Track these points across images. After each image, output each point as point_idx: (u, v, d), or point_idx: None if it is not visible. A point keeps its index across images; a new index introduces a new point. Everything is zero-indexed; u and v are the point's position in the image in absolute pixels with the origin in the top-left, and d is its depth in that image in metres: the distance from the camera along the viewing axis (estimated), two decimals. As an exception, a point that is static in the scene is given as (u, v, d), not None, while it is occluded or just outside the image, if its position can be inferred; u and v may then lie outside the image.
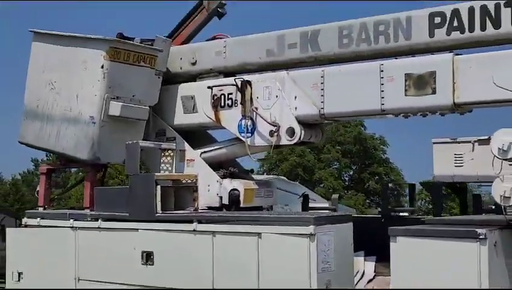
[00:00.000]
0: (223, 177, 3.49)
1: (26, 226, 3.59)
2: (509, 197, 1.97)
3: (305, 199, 4.70)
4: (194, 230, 2.71)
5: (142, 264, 2.88)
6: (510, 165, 2.02)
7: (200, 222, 2.73)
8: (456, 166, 2.89)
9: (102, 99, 3.20)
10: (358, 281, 2.67)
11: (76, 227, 3.27)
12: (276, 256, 2.38)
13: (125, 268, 3.03)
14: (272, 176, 17.82)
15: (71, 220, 3.31)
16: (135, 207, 2.96)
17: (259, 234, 2.44)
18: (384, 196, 5.71)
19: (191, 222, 2.74)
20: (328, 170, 31.68)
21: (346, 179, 34.59)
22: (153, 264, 2.85)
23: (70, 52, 3.45)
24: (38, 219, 3.55)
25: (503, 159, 1.99)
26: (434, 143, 4.24)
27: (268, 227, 2.49)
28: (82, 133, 3.29)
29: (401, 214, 4.12)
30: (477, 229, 1.93)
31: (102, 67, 3.19)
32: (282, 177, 15.79)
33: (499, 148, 1.98)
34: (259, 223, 2.57)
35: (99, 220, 3.16)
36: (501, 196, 1.99)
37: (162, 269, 2.87)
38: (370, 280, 2.79)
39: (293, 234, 2.33)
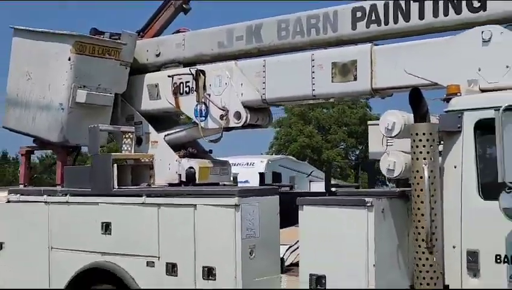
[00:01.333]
0: (182, 156, 3.88)
1: (8, 201, 4.04)
2: (393, 170, 2.25)
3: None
4: (143, 203, 3.08)
5: (102, 233, 3.28)
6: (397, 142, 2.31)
7: (148, 196, 3.11)
8: (387, 145, 3.09)
9: (69, 88, 3.60)
10: (287, 250, 2.98)
11: (48, 202, 3.69)
12: (209, 225, 2.78)
13: (89, 237, 3.41)
14: (280, 156, 18.44)
15: (45, 195, 3.72)
16: (96, 183, 3.35)
17: (195, 206, 2.82)
18: (327, 173, 6.12)
19: (140, 195, 3.13)
20: (335, 150, 32.68)
21: (353, 158, 35.17)
22: (110, 234, 3.25)
23: (45, 47, 3.85)
24: (19, 195, 3.98)
25: (389, 137, 2.27)
26: (369, 125, 4.51)
27: (202, 199, 2.87)
28: (53, 118, 3.71)
29: (346, 189, 4.42)
30: (365, 198, 2.23)
31: (69, 59, 3.58)
32: (291, 157, 16.26)
33: (385, 128, 2.26)
34: (195, 196, 2.96)
35: (68, 195, 3.54)
36: (387, 169, 2.27)
37: (118, 238, 3.26)
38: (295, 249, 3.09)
39: (222, 205, 2.70)
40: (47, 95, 3.75)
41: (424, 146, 2.08)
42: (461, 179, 2.14)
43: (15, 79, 4.07)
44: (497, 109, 1.67)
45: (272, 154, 25.89)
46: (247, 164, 7.44)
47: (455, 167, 2.18)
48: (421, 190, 2.04)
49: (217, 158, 4.35)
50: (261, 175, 5.06)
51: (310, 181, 8.02)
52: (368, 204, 2.16)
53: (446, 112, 2.24)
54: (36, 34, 3.93)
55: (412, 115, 2.24)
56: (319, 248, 2.38)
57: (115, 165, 3.25)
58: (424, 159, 2.06)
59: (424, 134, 2.07)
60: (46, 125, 3.76)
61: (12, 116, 4.09)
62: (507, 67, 2.22)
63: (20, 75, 4.00)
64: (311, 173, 7.63)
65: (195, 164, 3.80)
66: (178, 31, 4.29)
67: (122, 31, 4.02)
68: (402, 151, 2.33)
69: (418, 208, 2.08)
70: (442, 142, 2.28)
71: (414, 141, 2.10)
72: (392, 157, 2.24)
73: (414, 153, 2.10)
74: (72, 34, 3.65)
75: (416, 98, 2.23)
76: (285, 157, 12.47)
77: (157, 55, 4.15)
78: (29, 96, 3.89)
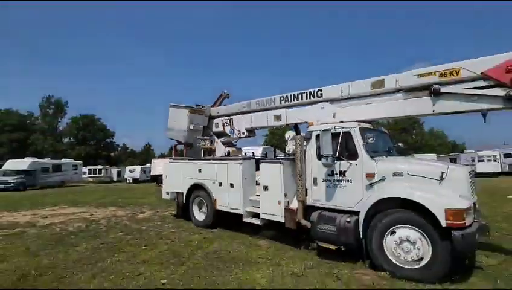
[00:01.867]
0: (226, 147, 9.28)
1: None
2: (289, 151, 6.48)
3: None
4: (211, 162, 8.12)
5: (198, 172, 8.36)
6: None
7: (213, 160, 8.50)
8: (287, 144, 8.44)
9: (188, 126, 10.02)
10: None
11: (182, 162, 10.25)
12: (232, 170, 6.67)
13: (201, 175, 8.78)
14: (268, 146, 25.16)
15: (180, 161, 10.33)
16: (196, 156, 9.96)
17: (228, 163, 6.90)
18: (275, 151, 12.56)
19: (210, 160, 8.77)
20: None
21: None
22: (201, 172, 7.70)
23: (180, 111, 9.79)
24: (173, 160, 9.78)
25: (289, 140, 8.49)
26: (170, 106, 8.93)
27: (230, 161, 6.89)
28: (182, 135, 10.25)
29: (278, 157, 10.66)
30: (280, 160, 6.10)
31: (187, 115, 9.92)
32: (271, 147, 23.13)
33: (287, 137, 6.48)
34: (228, 160, 7.10)
35: (187, 160, 10.18)
36: (288, 150, 6.75)
37: (203, 174, 7.79)
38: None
39: (237, 163, 6.65)
40: (183, 128, 9.94)
41: (298, 143, 5.16)
42: (311, 154, 5.29)
43: (174, 122, 9.74)
44: (320, 130, 5.05)
45: (264, 145, 34.42)
46: (252, 150, 13.91)
47: (310, 151, 5.33)
48: (298, 158, 5.18)
49: (237, 147, 9.01)
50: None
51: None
52: (281, 162, 5.68)
53: (308, 131, 5.60)
54: (175, 106, 10.37)
55: (295, 132, 6.15)
56: (265, 181, 5.96)
57: (202, 150, 9.79)
58: (298, 147, 5.17)
59: (298, 139, 5.26)
60: (182, 136, 9.56)
61: (170, 133, 9.83)
62: (333, 116, 5.61)
63: (173, 121, 9.76)
64: (275, 151, 14.68)
65: (230, 149, 8.25)
66: (221, 95, 10.10)
67: (205, 105, 10.31)
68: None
69: (298, 166, 5.26)
70: (305, 142, 5.39)
71: (295, 141, 5.32)
72: (290, 146, 5.78)
73: (295, 145, 5.29)
74: (188, 106, 10.12)
75: (296, 127, 6.40)
76: (269, 147, 19.75)
77: (218, 113, 9.02)
78: (176, 127, 10.11)
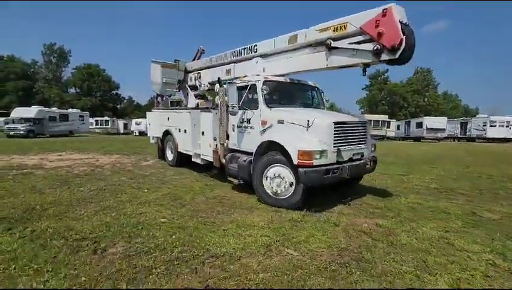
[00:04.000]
0: (198, 99, 9.71)
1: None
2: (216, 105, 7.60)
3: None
4: (184, 112, 8.94)
5: (167, 121, 9.41)
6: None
7: (185, 110, 9.19)
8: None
9: (162, 79, 9.66)
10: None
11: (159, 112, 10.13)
12: (205, 119, 6.71)
13: (168, 122, 9.05)
14: None
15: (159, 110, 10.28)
16: (168, 107, 9.91)
17: (201, 113, 7.04)
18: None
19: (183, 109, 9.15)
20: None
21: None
22: (169, 121, 8.86)
23: (156, 66, 9.64)
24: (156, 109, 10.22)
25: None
26: (151, 62, 9.63)
27: (203, 111, 7.60)
28: (158, 87, 10.00)
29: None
30: (210, 109, 6.67)
31: (159, 69, 9.58)
32: None
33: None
34: (199, 110, 8.35)
35: (162, 110, 10.10)
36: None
37: (172, 122, 8.62)
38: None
39: (208, 112, 6.68)
40: (158, 81, 9.83)
41: (221, 94, 5.64)
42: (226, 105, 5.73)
43: (152, 76, 10.13)
44: (227, 83, 5.98)
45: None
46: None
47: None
48: (219, 108, 5.71)
49: (208, 99, 9.16)
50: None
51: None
52: (211, 111, 6.42)
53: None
54: (154, 62, 9.88)
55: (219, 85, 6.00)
56: (203, 127, 6.75)
57: (170, 101, 9.68)
58: (220, 98, 5.66)
59: (221, 91, 5.72)
60: (158, 89, 9.87)
61: (151, 86, 10.35)
62: (263, 70, 6.01)
63: (152, 75, 10.07)
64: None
65: (199, 101, 8.54)
66: (198, 50, 9.81)
67: (177, 60, 9.85)
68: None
69: (219, 114, 5.77)
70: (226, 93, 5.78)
71: (218, 93, 5.80)
72: (217, 97, 6.04)
73: (218, 96, 5.82)
74: (161, 61, 9.62)
75: (219, 80, 6.00)
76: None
77: (192, 68, 9.29)
78: (154, 80, 10.00)
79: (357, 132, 4.95)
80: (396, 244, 3.40)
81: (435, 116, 41.92)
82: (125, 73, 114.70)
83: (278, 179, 4.66)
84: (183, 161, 8.27)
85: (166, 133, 8.94)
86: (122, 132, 44.75)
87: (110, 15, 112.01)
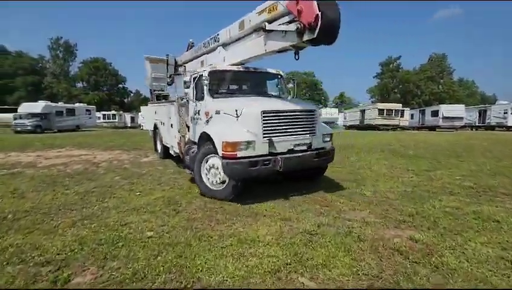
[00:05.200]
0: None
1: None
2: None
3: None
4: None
5: (155, 115, 9.07)
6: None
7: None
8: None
9: (151, 74, 9.27)
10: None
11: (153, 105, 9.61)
12: (163, 113, 7.80)
13: (156, 115, 9.08)
14: None
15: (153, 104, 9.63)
16: (154, 100, 9.20)
17: (172, 104, 6.70)
18: None
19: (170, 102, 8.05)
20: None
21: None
22: (157, 114, 8.88)
23: (146, 63, 9.47)
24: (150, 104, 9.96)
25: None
26: (144, 58, 9.70)
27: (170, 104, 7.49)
28: (148, 82, 9.52)
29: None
30: (174, 101, 6.29)
31: (148, 65, 9.25)
32: None
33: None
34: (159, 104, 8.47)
35: (155, 104, 9.44)
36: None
37: (158, 116, 8.65)
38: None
39: (163, 106, 7.87)
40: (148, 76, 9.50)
41: (188, 88, 5.64)
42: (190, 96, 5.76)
43: (145, 71, 9.69)
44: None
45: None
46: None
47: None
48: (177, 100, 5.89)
49: None
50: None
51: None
52: (174, 102, 6.08)
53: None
54: (145, 58, 9.44)
55: None
56: (172, 119, 6.69)
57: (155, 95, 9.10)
58: (186, 93, 5.74)
59: (183, 83, 5.79)
60: (149, 83, 9.64)
61: (145, 82, 9.86)
62: (223, 60, 5.79)
63: (145, 70, 9.66)
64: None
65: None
66: (188, 44, 8.63)
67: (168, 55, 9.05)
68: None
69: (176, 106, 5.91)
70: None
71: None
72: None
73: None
74: (150, 57, 9.37)
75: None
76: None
77: (181, 61, 8.41)
78: (146, 76, 9.67)
79: (297, 121, 4.56)
80: (443, 269, 2.62)
81: (449, 103, 39.98)
82: (132, 66, 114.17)
83: (214, 170, 4.58)
84: (168, 153, 8.14)
85: (155, 126, 9.11)
86: (129, 125, 44.62)
87: (117, 13, 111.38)
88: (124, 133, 25.52)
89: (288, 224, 3.61)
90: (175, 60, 8.81)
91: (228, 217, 3.87)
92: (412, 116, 38.21)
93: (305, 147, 4.61)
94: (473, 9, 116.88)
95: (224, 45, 5.86)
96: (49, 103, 31.10)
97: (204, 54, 6.75)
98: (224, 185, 4.49)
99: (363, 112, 37.07)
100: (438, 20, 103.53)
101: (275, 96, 5.79)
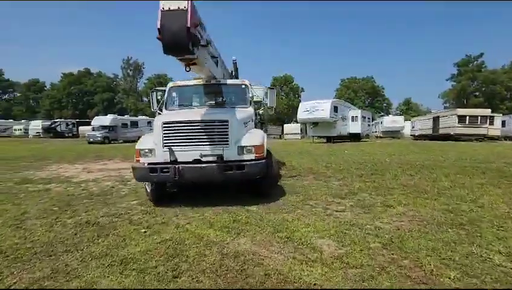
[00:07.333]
0: None
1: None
2: None
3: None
4: None
5: None
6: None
7: None
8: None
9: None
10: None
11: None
12: None
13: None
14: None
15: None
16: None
17: None
18: None
19: None
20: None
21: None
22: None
23: None
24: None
25: None
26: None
27: None
28: None
29: None
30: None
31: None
32: None
33: None
34: None
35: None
36: None
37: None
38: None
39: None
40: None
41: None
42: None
43: None
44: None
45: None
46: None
47: None
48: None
49: None
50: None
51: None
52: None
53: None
54: None
55: None
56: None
57: None
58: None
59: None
60: None
61: None
62: None
63: None
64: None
65: None
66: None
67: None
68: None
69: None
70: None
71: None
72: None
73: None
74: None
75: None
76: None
77: None
78: None
79: (204, 132, 4.51)
80: None
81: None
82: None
83: None
84: None
85: None
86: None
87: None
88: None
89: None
90: None
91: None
92: (503, 123, 31.33)
93: (215, 158, 4.41)
94: None
95: None
96: (116, 116, 34.20)
97: None
98: (149, 189, 4.99)
99: (436, 119, 31.80)
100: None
101: (230, 107, 5.79)
